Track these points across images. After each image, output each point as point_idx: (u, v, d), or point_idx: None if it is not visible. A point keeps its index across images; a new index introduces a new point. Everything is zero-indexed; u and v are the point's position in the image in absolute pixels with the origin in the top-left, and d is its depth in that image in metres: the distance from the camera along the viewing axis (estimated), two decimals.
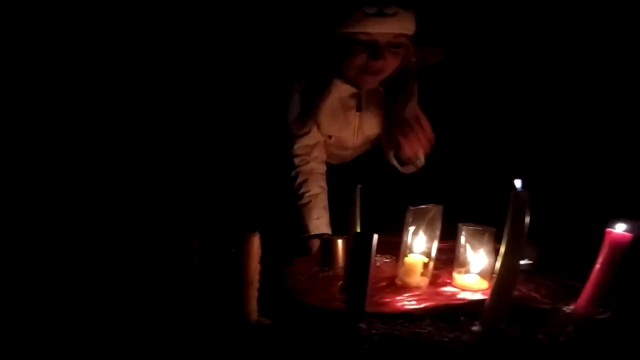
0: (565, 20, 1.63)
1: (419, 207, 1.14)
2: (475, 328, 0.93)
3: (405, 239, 1.15)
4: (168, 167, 1.63)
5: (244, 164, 1.60)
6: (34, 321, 0.90)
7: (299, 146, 1.42)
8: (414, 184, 1.48)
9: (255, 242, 0.89)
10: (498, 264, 0.91)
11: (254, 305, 0.92)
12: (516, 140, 1.62)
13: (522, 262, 1.21)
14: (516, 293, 1.10)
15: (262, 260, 1.20)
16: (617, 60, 1.61)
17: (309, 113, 1.38)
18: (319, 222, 1.36)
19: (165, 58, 1.67)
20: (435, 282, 1.17)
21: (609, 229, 0.94)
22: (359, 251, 0.92)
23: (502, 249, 0.89)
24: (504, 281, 0.90)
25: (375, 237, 0.91)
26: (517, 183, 0.87)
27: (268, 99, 1.48)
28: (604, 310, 0.98)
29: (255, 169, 1.58)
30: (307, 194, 1.38)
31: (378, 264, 1.29)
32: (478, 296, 1.09)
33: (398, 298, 1.08)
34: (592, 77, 1.63)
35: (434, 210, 1.14)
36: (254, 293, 0.92)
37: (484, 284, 1.13)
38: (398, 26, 1.25)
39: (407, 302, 1.06)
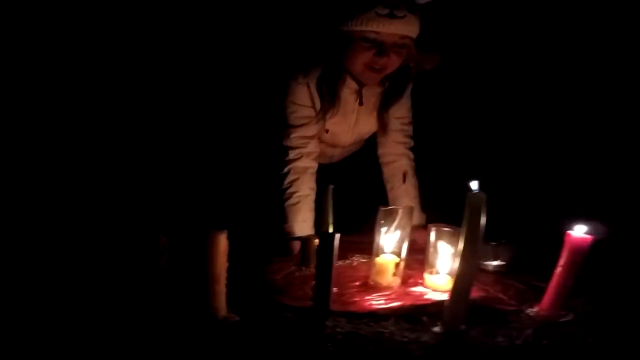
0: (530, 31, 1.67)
1: (389, 207, 1.17)
2: (436, 329, 0.95)
3: (377, 239, 1.18)
4: (143, 164, 1.64)
5: (230, 159, 1.63)
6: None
7: (296, 137, 1.43)
8: None
9: (222, 240, 0.93)
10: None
11: (222, 302, 0.96)
12: (488, 143, 1.63)
13: (495, 262, 1.24)
14: (484, 294, 1.13)
15: (242, 258, 1.26)
16: (575, 64, 1.62)
17: (331, 105, 1.42)
18: (305, 225, 1.38)
19: (161, 47, 1.69)
20: (407, 282, 1.19)
21: (569, 232, 0.95)
22: (322, 250, 0.96)
23: (460, 250, 0.91)
24: (462, 282, 0.92)
25: (338, 236, 0.94)
26: (474, 185, 0.89)
27: (270, 87, 1.51)
28: (566, 313, 0.99)
29: (242, 164, 1.61)
30: (297, 194, 1.39)
31: (355, 263, 1.33)
32: (446, 297, 1.10)
33: (367, 297, 1.11)
34: (552, 83, 1.64)
35: (404, 210, 1.16)
36: (221, 289, 0.95)
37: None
38: (406, 28, 1.32)
39: (375, 302, 1.09)
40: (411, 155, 1.58)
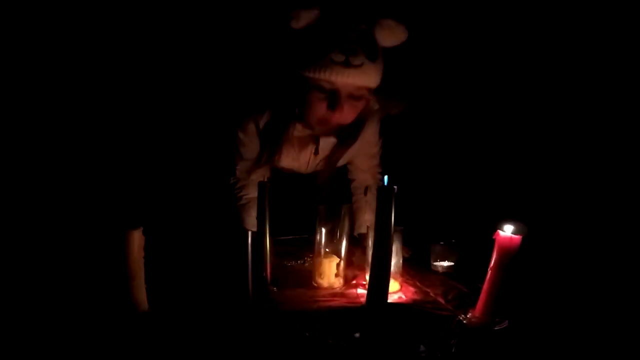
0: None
1: (329, 206, 1.12)
2: (356, 334, 0.89)
3: (317, 239, 1.14)
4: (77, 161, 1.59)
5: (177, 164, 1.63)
6: None
7: (244, 166, 1.39)
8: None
9: (136, 237, 0.93)
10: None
11: (142, 296, 0.96)
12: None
13: (445, 263, 1.17)
14: (423, 297, 1.07)
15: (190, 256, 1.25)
16: (499, 65, 1.51)
17: (272, 151, 1.34)
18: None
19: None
20: (350, 283, 1.14)
21: (498, 231, 0.87)
22: (238, 247, 0.94)
23: (371, 246, 0.86)
24: (377, 280, 0.87)
25: (250, 234, 0.92)
26: (384, 179, 0.84)
27: (226, 118, 1.43)
28: (499, 320, 0.90)
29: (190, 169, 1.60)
30: (246, 196, 1.40)
31: (307, 264, 1.29)
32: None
33: (304, 298, 1.07)
34: (482, 91, 1.54)
35: (344, 210, 1.11)
36: (140, 284, 0.95)
37: (395, 286, 1.09)
38: (362, 78, 1.18)
39: (308, 303, 1.04)
40: (378, 176, 1.50)
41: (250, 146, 1.36)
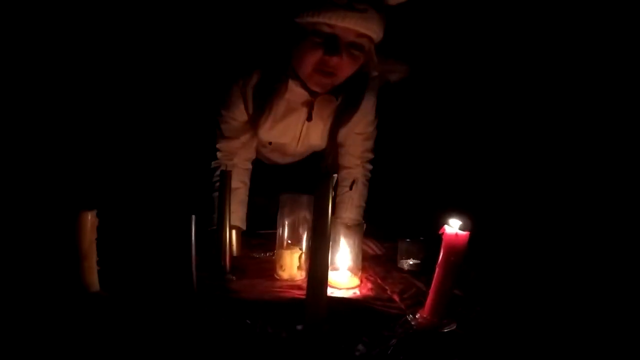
0: None
1: (291, 195, 1.09)
2: (298, 327, 0.87)
3: (279, 231, 1.11)
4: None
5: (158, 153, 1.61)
6: None
7: (226, 145, 1.35)
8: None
9: (89, 218, 0.94)
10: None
11: (93, 277, 0.97)
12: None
13: (410, 261, 1.11)
14: (377, 293, 1.03)
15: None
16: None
17: (260, 115, 1.27)
18: (233, 216, 1.28)
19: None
20: None
21: (445, 227, 0.81)
22: (182, 233, 0.93)
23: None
24: (315, 270, 0.82)
25: (193, 218, 0.91)
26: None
27: (208, 90, 1.39)
28: (448, 321, 0.84)
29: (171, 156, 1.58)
30: None
31: (274, 257, 1.26)
32: (340, 294, 1.01)
33: (260, 289, 1.04)
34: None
35: (305, 200, 1.08)
36: (91, 265, 0.96)
37: (354, 282, 1.05)
38: (364, 25, 1.10)
39: (262, 294, 1.02)
40: (368, 166, 1.45)
41: (235, 123, 1.31)
